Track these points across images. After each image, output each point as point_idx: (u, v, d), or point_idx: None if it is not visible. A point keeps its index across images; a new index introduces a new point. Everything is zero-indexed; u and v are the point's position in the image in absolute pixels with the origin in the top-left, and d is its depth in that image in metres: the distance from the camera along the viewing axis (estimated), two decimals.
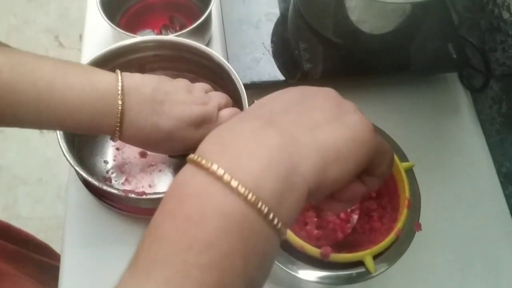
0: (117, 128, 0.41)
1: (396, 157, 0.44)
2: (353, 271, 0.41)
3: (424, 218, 0.44)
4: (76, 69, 0.40)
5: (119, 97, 0.40)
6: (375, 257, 0.41)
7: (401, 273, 0.53)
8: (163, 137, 0.42)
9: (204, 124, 0.44)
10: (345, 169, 0.26)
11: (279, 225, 0.23)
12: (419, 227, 0.43)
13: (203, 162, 0.23)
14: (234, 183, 0.22)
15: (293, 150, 0.24)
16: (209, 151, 0.24)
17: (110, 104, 0.40)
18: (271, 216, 0.22)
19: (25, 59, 0.39)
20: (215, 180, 0.22)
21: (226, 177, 0.22)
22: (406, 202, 0.43)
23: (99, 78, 0.40)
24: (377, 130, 0.29)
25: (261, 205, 0.22)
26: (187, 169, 0.24)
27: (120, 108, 0.40)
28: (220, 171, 0.22)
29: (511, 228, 0.59)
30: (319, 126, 0.26)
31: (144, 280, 0.21)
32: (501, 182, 0.61)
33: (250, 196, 0.22)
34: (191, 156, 0.24)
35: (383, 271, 0.41)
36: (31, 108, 0.38)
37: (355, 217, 0.48)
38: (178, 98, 0.43)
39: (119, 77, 0.41)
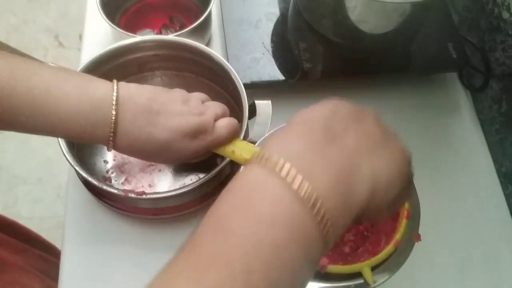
0: (111, 138, 0.40)
1: None
2: (351, 283, 0.40)
3: (423, 219, 0.43)
4: (73, 78, 0.40)
5: (113, 107, 0.39)
6: (374, 267, 0.40)
7: (401, 284, 0.53)
8: (158, 148, 0.42)
9: (200, 135, 0.43)
10: (387, 198, 0.28)
11: (331, 241, 0.25)
12: (418, 238, 0.42)
13: (278, 168, 0.24)
14: (308, 197, 0.24)
15: (353, 178, 0.26)
16: (281, 158, 0.25)
17: (104, 113, 0.39)
18: (330, 231, 0.25)
19: (24, 65, 0.39)
20: (290, 190, 0.24)
21: (302, 190, 0.24)
22: (405, 212, 0.42)
23: (94, 88, 0.40)
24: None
25: (326, 221, 0.24)
26: (259, 168, 0.25)
27: (113, 118, 0.39)
28: (296, 183, 0.24)
29: (511, 228, 0.59)
30: (373, 153, 0.28)
31: (205, 273, 0.22)
32: (501, 182, 0.61)
33: (320, 211, 0.24)
34: (263, 154, 0.26)
35: (382, 282, 0.40)
36: (26, 114, 0.38)
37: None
38: (174, 109, 0.42)
39: (115, 86, 0.40)
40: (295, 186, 0.24)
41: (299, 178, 0.24)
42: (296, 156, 0.25)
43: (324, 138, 0.27)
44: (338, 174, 0.26)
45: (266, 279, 0.23)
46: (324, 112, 0.29)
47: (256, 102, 0.52)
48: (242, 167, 0.44)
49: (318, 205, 0.24)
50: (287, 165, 0.25)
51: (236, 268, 0.22)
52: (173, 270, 0.23)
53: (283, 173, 0.24)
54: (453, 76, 0.68)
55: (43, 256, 0.70)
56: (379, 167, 0.27)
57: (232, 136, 0.45)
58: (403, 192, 0.30)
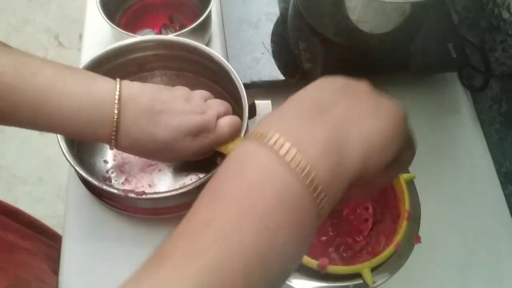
0: (113, 137, 0.40)
1: None
2: (350, 283, 0.40)
3: (423, 219, 0.43)
4: (76, 76, 0.40)
5: (115, 106, 0.39)
6: (374, 268, 0.40)
7: (400, 285, 0.53)
8: (160, 147, 0.42)
9: (202, 133, 0.43)
10: (383, 160, 0.28)
11: (325, 207, 0.25)
12: (418, 239, 0.42)
13: (267, 140, 0.25)
14: (295, 162, 0.24)
15: (343, 144, 0.26)
16: (270, 131, 0.26)
17: (106, 113, 0.39)
18: (321, 196, 0.25)
19: (28, 62, 0.39)
20: (278, 157, 0.25)
21: (289, 156, 0.24)
22: (406, 214, 0.42)
23: (97, 86, 0.40)
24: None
25: (317, 186, 0.24)
26: (250, 143, 0.26)
27: (115, 117, 0.39)
28: (283, 150, 0.25)
29: (511, 228, 0.59)
30: (363, 118, 0.27)
31: (198, 235, 0.23)
32: (501, 182, 0.61)
33: (309, 175, 0.24)
34: (255, 132, 0.27)
35: (381, 283, 0.40)
36: (29, 111, 0.38)
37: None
38: (176, 108, 0.42)
39: (117, 86, 0.40)
40: (283, 152, 0.25)
41: (286, 145, 0.25)
42: (285, 128, 0.26)
43: (312, 110, 0.27)
44: (326, 142, 0.26)
45: (257, 241, 0.23)
46: (315, 88, 0.29)
47: (256, 102, 0.52)
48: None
49: (306, 169, 0.24)
50: (276, 135, 0.25)
51: (228, 229, 0.23)
52: (171, 236, 0.24)
53: (271, 142, 0.25)
54: (453, 76, 0.68)
55: (47, 242, 0.71)
56: (370, 129, 0.27)
57: (234, 134, 0.45)
58: (403, 149, 0.30)
